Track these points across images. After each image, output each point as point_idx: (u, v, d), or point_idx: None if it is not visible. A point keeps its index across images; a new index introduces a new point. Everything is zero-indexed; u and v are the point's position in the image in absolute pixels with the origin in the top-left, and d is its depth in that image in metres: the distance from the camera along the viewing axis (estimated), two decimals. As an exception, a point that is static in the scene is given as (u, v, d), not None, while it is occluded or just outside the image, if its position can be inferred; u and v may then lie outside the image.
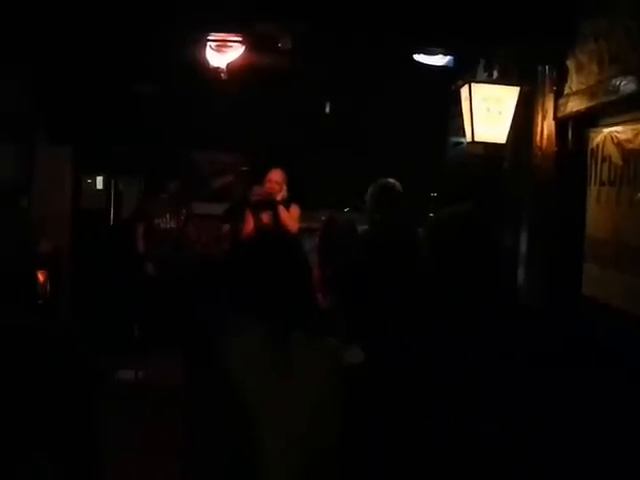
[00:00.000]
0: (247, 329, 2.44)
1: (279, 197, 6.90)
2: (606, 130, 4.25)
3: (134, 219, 8.69)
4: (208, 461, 2.37)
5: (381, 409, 2.45)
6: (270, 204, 6.90)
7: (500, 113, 5.36)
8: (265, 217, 6.91)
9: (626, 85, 3.80)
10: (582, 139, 4.59)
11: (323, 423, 2.43)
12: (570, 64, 4.66)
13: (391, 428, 2.42)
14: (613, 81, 3.95)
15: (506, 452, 2.38)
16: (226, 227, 7.79)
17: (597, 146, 4.36)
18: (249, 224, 6.99)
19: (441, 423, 2.36)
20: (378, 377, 2.52)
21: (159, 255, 8.29)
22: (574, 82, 4.61)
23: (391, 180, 5.13)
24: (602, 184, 4.28)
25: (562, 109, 4.72)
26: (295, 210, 7.00)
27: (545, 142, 4.97)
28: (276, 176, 6.98)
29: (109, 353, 6.89)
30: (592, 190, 4.42)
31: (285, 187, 6.97)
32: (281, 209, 6.87)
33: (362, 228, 5.59)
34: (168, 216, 8.45)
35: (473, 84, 5.38)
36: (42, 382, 2.23)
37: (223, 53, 6.24)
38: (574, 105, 4.52)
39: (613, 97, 3.97)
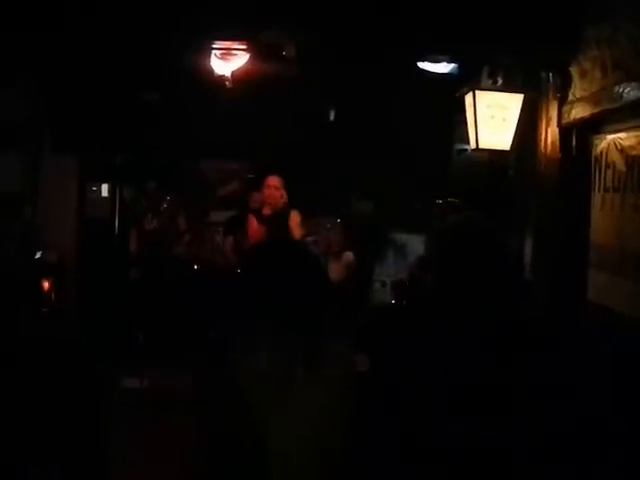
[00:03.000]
0: (261, 335, 2.45)
1: (281, 203, 6.89)
2: (610, 137, 4.25)
3: (126, 223, 8.76)
4: (218, 465, 2.37)
5: (387, 415, 2.45)
6: (271, 218, 6.89)
7: (504, 120, 5.37)
8: (266, 226, 6.89)
9: (630, 92, 3.81)
10: (586, 146, 4.60)
11: (333, 427, 2.44)
12: (574, 71, 4.67)
13: (397, 434, 2.42)
14: (616, 88, 3.95)
15: (510, 458, 2.38)
16: (229, 237, 7.78)
17: (601, 153, 4.36)
18: (253, 231, 6.99)
19: (445, 429, 2.36)
20: (382, 384, 2.52)
21: (146, 257, 8.28)
22: (578, 89, 4.62)
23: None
24: (606, 190, 4.28)
25: (566, 116, 4.72)
26: (296, 217, 6.99)
27: (549, 149, 4.97)
28: (274, 181, 6.99)
29: (114, 361, 6.89)
30: (596, 196, 4.42)
31: (284, 193, 6.96)
32: (282, 218, 6.85)
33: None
34: (150, 216, 8.42)
35: (477, 91, 5.40)
36: (52, 389, 2.24)
37: (228, 61, 6.26)
38: (578, 112, 4.53)
39: (617, 104, 3.97)
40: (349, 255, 6.98)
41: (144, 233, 8.38)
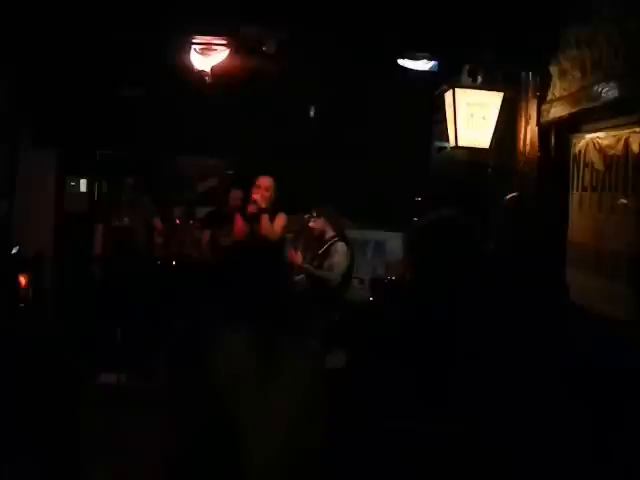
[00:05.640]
0: (235, 330, 2.45)
1: (264, 204, 6.87)
2: (588, 136, 4.27)
3: (95, 220, 8.69)
4: (193, 461, 2.37)
5: (363, 412, 2.45)
6: (254, 216, 6.89)
7: (484, 118, 5.38)
8: (249, 226, 6.90)
9: (608, 92, 3.83)
10: (565, 145, 4.62)
11: (306, 424, 2.45)
12: (553, 70, 4.68)
13: (372, 431, 2.42)
14: (595, 88, 3.97)
15: (492, 455, 2.38)
16: (206, 232, 7.76)
17: (579, 152, 4.38)
18: (237, 229, 6.99)
19: (422, 426, 2.36)
20: (360, 380, 2.52)
21: (112, 256, 8.19)
22: (557, 88, 4.64)
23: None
24: (584, 189, 4.30)
25: (545, 115, 4.74)
26: (280, 220, 6.96)
27: (528, 147, 4.99)
28: (265, 182, 6.95)
29: (91, 357, 6.85)
30: (574, 195, 4.44)
31: (273, 195, 6.94)
32: (264, 219, 6.83)
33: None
34: (122, 213, 8.32)
35: (457, 89, 5.41)
36: (25, 384, 2.23)
37: (207, 56, 6.22)
38: (557, 111, 4.54)
39: (595, 103, 3.99)
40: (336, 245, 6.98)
41: (112, 230, 8.28)
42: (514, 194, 4.84)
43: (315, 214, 6.96)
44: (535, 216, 4.71)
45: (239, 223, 7.01)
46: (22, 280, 7.20)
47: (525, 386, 2.52)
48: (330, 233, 6.91)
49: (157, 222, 8.40)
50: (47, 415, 2.27)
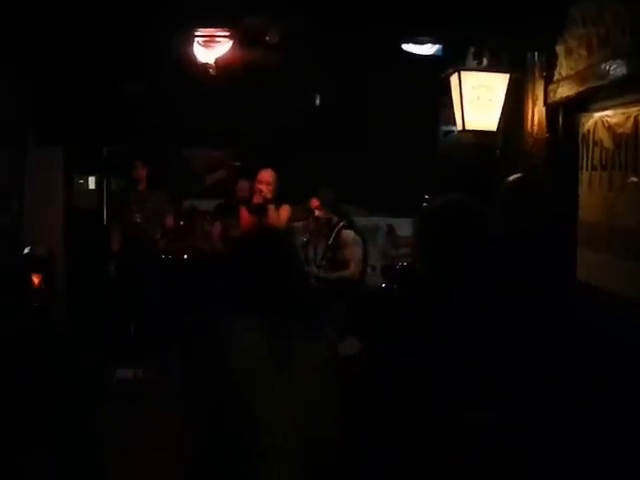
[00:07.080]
0: (246, 321, 2.45)
1: (269, 196, 6.92)
2: (597, 115, 4.24)
3: (110, 218, 8.67)
4: (208, 452, 2.38)
5: (377, 400, 2.44)
6: (261, 207, 6.94)
7: (490, 101, 5.35)
8: (255, 216, 6.96)
9: (616, 69, 3.80)
10: (573, 124, 4.58)
11: (320, 413, 2.45)
12: (559, 49, 4.65)
13: (388, 419, 2.42)
14: (603, 66, 3.94)
15: (506, 441, 2.37)
16: (217, 225, 7.77)
17: (588, 131, 4.35)
18: (244, 221, 7.05)
19: (438, 413, 2.36)
20: (373, 368, 2.51)
21: (124, 252, 8.13)
22: (564, 67, 4.60)
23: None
24: (594, 169, 4.28)
25: (552, 95, 4.71)
26: (285, 211, 7.04)
27: (536, 128, 4.96)
28: (266, 176, 7.00)
29: (107, 353, 6.88)
30: (584, 175, 4.42)
31: (275, 187, 6.99)
32: (270, 210, 6.89)
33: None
34: (134, 210, 8.24)
35: (462, 72, 5.38)
36: (41, 381, 2.24)
37: (211, 48, 6.24)
38: (564, 91, 4.51)
39: (603, 82, 3.96)
40: (344, 233, 7.04)
41: (125, 228, 8.22)
42: (518, 175, 4.83)
43: (315, 204, 7.06)
44: (540, 197, 4.70)
45: (245, 215, 7.08)
46: (35, 280, 7.23)
47: (536, 371, 2.51)
48: (335, 219, 7.00)
49: (169, 220, 8.33)
50: (64, 412, 2.28)
